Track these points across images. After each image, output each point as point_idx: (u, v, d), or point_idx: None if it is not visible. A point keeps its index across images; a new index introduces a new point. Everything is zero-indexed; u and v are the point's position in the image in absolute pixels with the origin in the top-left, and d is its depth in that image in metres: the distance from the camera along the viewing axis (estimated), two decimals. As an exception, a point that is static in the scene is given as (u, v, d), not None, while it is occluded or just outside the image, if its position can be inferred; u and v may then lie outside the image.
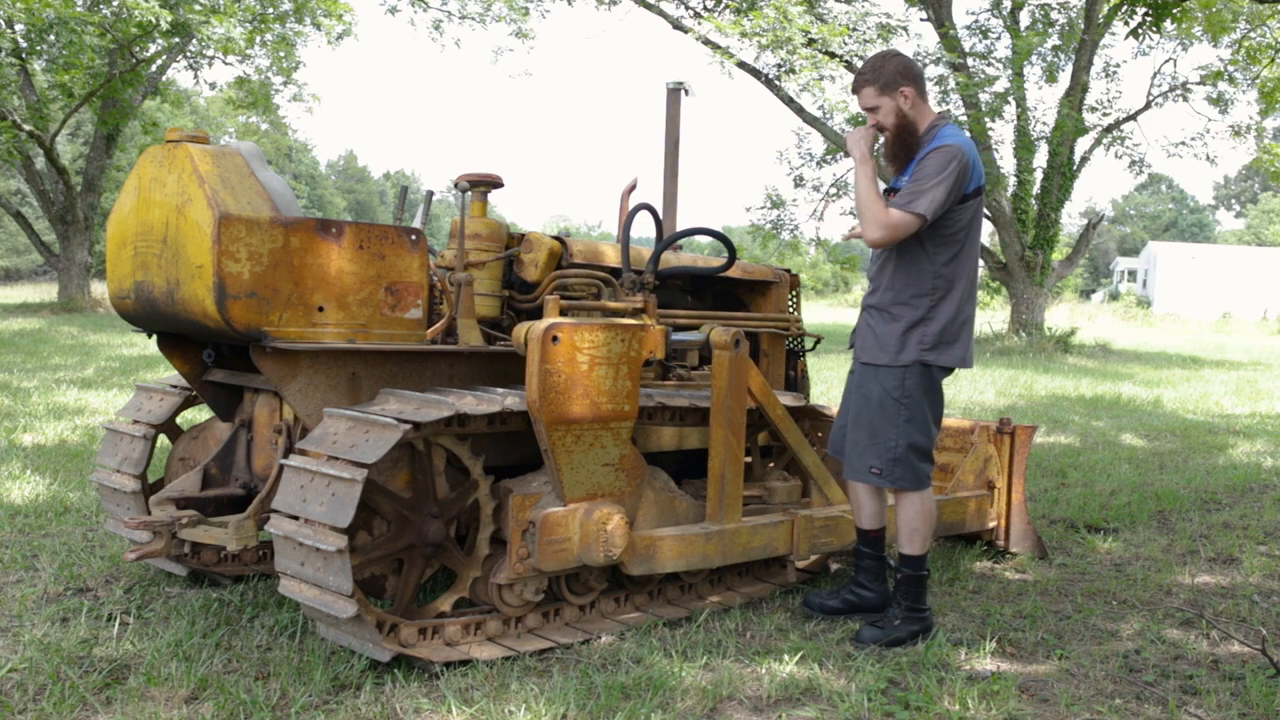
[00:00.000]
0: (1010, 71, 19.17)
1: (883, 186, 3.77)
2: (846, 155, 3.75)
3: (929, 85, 19.17)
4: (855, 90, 3.70)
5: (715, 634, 3.61)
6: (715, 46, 17.89)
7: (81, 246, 21.68)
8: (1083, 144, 20.36)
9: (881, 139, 3.71)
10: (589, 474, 3.43)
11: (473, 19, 21.83)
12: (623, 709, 2.92)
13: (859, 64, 17.23)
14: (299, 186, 57.61)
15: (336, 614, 2.97)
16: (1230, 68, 20.20)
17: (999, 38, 20.46)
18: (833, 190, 21.72)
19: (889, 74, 3.60)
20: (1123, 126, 21.13)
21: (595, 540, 3.40)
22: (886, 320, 3.65)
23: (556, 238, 4.08)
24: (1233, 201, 79.41)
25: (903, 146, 3.64)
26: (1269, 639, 3.61)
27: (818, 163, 21.91)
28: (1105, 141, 21.05)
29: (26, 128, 19.69)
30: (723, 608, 3.89)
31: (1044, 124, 19.68)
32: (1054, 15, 20.11)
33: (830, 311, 35.02)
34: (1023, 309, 19.75)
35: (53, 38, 18.00)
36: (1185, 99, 21.51)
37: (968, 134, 17.27)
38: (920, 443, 3.64)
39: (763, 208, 22.18)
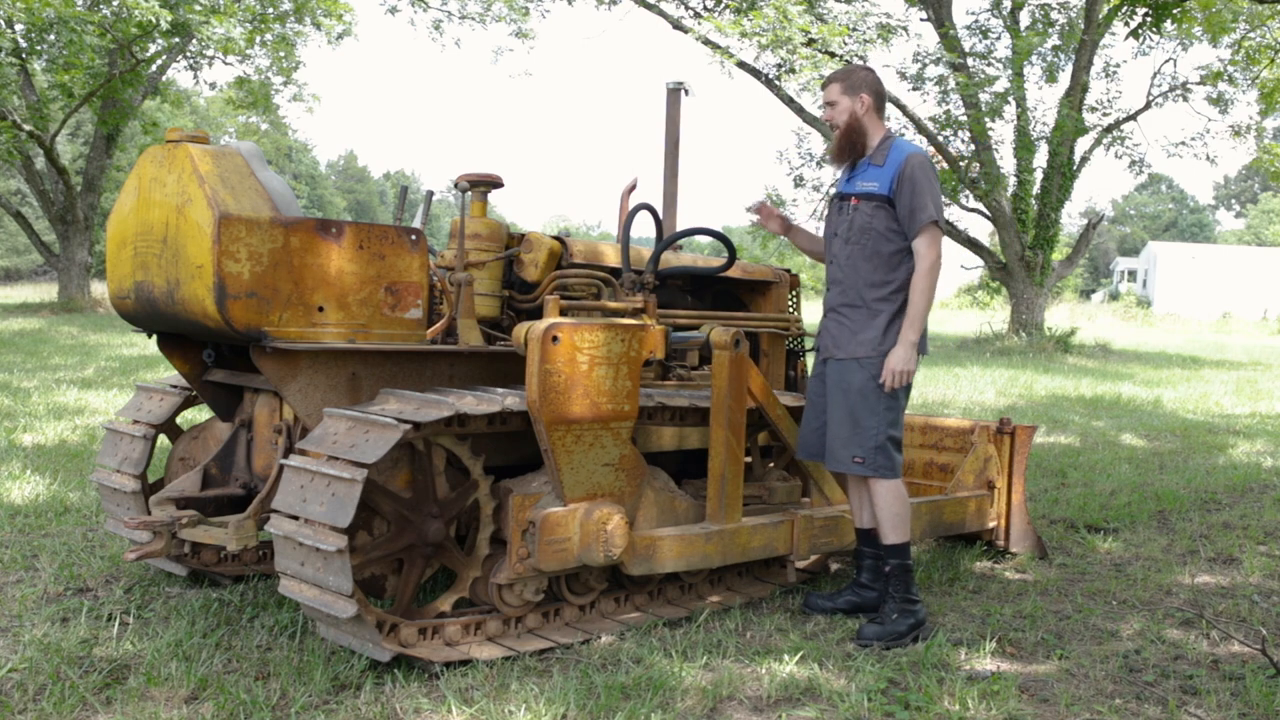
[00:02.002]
0: (1010, 71, 19.16)
1: (834, 190, 4.06)
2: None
3: (929, 85, 19.40)
4: (823, 86, 3.98)
5: (715, 634, 3.61)
6: (715, 46, 17.88)
7: (81, 246, 21.67)
8: (1083, 144, 20.37)
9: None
10: (589, 474, 3.43)
11: (473, 19, 21.84)
12: (623, 709, 2.92)
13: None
14: (299, 186, 57.57)
15: (336, 614, 2.97)
16: (1230, 68, 20.19)
17: (999, 38, 20.46)
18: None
19: (857, 80, 3.89)
20: (1123, 126, 21.12)
21: (595, 540, 3.40)
22: (867, 315, 3.80)
23: (556, 238, 4.08)
24: (1233, 201, 79.39)
25: (849, 145, 3.90)
26: (1269, 639, 3.61)
27: (818, 163, 21.91)
28: (1105, 141, 21.04)
29: (26, 128, 19.68)
30: (723, 608, 3.89)
31: (1044, 124, 19.68)
32: (1054, 15, 20.12)
33: (830, 311, 34.98)
34: (1023, 309, 19.74)
35: (53, 37, 17.99)
36: (1185, 99, 21.50)
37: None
38: (896, 433, 3.79)
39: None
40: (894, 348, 3.74)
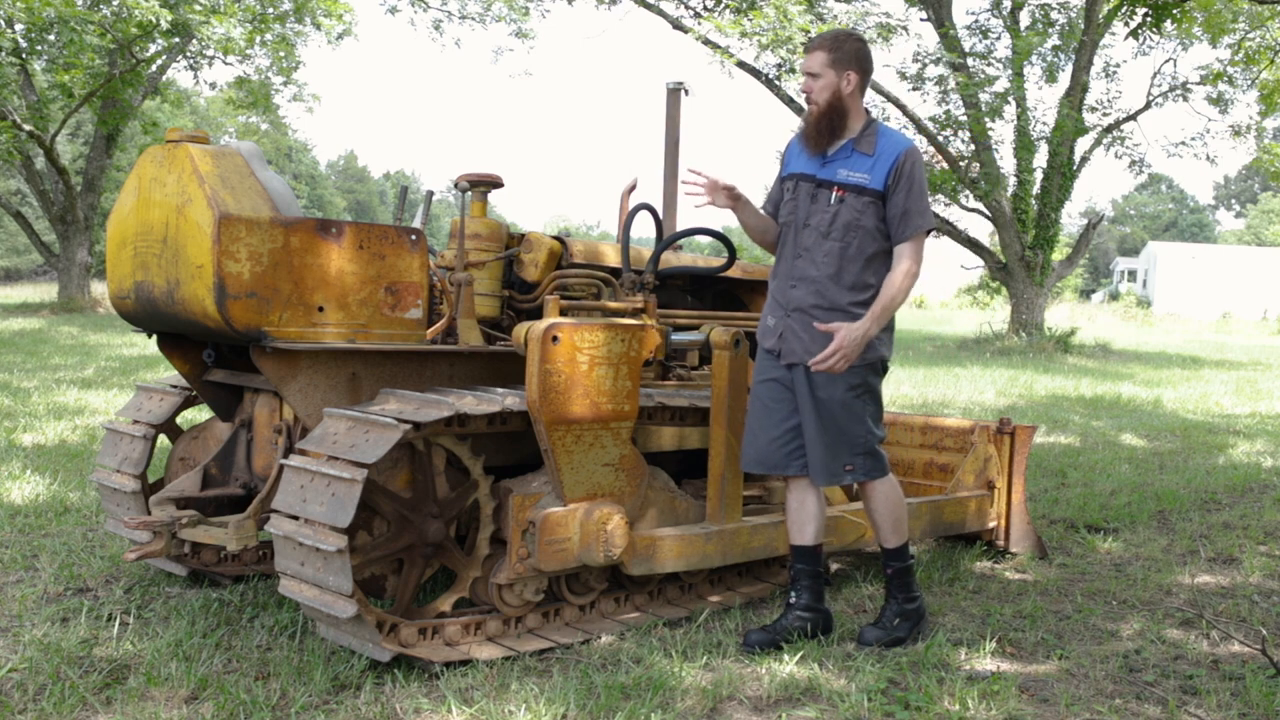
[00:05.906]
0: (1010, 71, 19.18)
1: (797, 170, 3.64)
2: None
3: (929, 85, 19.42)
4: (808, 51, 3.55)
5: (715, 634, 3.61)
6: (715, 46, 17.89)
7: (81, 246, 21.68)
8: (1083, 144, 20.38)
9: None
10: (589, 474, 3.43)
11: (473, 19, 21.85)
12: (623, 709, 2.92)
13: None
14: (299, 186, 57.55)
15: (336, 614, 2.97)
16: (1230, 68, 20.20)
17: (999, 38, 20.47)
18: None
19: (846, 53, 3.49)
20: (1123, 126, 21.14)
21: (595, 540, 3.40)
22: (845, 320, 3.45)
23: (556, 238, 4.09)
24: (1233, 201, 79.41)
25: (828, 127, 3.52)
26: (1269, 639, 3.61)
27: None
28: (1105, 141, 21.05)
29: (26, 128, 19.68)
30: (723, 608, 3.89)
31: (1044, 124, 19.69)
32: (1054, 15, 20.13)
33: (830, 311, 34.97)
34: (1023, 309, 19.75)
35: (53, 37, 18.02)
36: (1185, 99, 21.52)
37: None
38: (881, 433, 3.66)
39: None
40: (855, 324, 3.40)
